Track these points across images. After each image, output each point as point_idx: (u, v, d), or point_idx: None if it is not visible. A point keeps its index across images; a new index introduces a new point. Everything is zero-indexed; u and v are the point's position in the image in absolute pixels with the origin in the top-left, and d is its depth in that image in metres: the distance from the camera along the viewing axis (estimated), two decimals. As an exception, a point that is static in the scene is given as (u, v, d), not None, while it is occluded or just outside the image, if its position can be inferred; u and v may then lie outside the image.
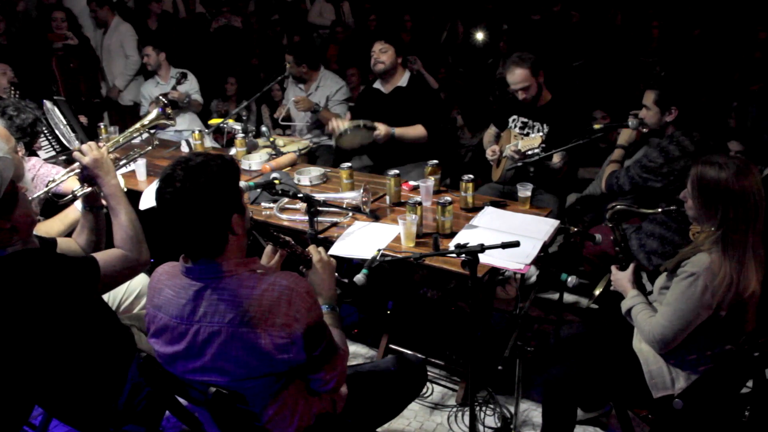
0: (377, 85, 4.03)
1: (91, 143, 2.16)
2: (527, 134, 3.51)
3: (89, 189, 2.19)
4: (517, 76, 3.43)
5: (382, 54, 3.83)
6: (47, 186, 2.42)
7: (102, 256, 1.93)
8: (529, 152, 3.24)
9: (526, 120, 3.60)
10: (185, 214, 1.52)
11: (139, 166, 3.61)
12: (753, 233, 1.94)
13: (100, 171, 2.11)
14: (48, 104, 4.18)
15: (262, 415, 1.66)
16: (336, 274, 1.96)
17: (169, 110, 2.75)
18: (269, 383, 1.62)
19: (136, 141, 3.12)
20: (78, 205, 2.44)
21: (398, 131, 3.77)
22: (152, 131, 2.77)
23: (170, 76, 5.19)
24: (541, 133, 3.39)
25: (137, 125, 2.71)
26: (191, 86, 5.20)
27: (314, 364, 1.65)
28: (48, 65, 5.29)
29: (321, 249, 1.94)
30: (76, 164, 2.20)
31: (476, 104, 5.62)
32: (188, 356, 1.60)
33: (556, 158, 3.30)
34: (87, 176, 2.15)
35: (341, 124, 3.67)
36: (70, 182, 2.50)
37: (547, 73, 3.55)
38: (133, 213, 2.10)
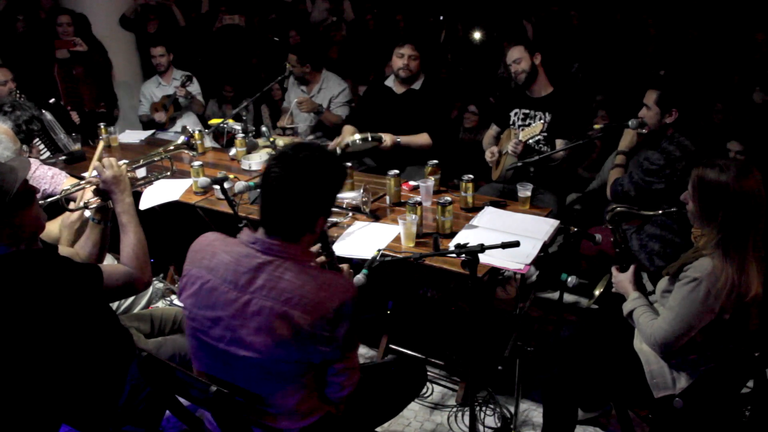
0: (389, 83, 3.99)
1: (112, 159, 2.20)
2: (529, 125, 3.53)
3: (102, 202, 2.22)
4: (512, 52, 3.56)
5: (412, 61, 3.79)
6: (62, 192, 2.45)
7: (106, 268, 1.95)
8: (531, 141, 3.25)
9: (527, 111, 3.62)
10: (282, 194, 1.58)
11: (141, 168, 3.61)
12: (754, 235, 1.93)
13: (116, 188, 2.16)
14: (49, 116, 4.17)
15: (280, 404, 1.68)
16: None
17: (193, 140, 2.78)
18: (299, 372, 1.64)
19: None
20: (86, 212, 2.47)
21: (404, 140, 3.76)
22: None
23: (173, 77, 5.18)
24: (542, 121, 3.40)
25: (160, 149, 2.76)
26: (194, 89, 5.20)
27: (340, 365, 1.68)
28: (50, 73, 5.10)
29: (352, 273, 2.02)
30: (93, 176, 2.23)
31: (477, 104, 5.61)
32: (230, 325, 1.62)
33: (559, 152, 3.35)
34: (103, 190, 2.18)
35: (347, 137, 3.71)
36: (83, 190, 2.53)
37: (548, 69, 3.61)
38: (142, 233, 2.13)
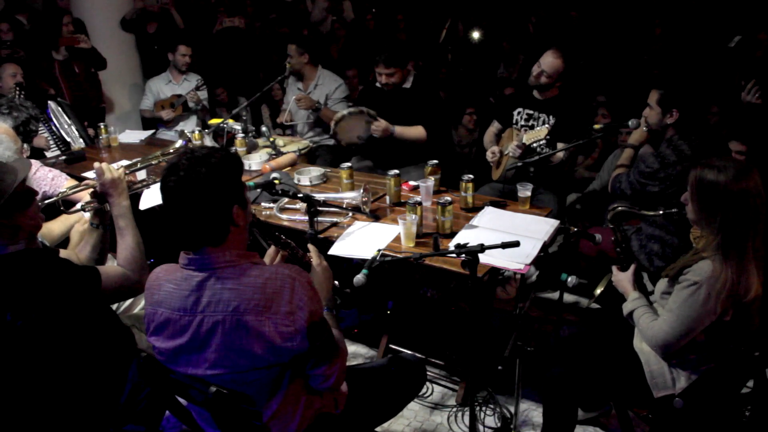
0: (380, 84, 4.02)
1: (111, 164, 2.20)
2: (532, 126, 3.52)
3: (98, 205, 2.22)
4: (551, 62, 3.46)
5: (390, 78, 3.81)
6: (59, 194, 2.46)
7: (104, 270, 1.95)
8: (534, 144, 3.24)
9: (531, 112, 3.62)
10: (186, 201, 1.56)
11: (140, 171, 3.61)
12: (754, 235, 1.93)
13: (113, 191, 2.17)
14: (52, 104, 4.19)
15: (264, 410, 1.66)
16: (336, 282, 1.98)
17: (191, 144, 2.80)
18: (273, 376, 1.62)
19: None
20: (86, 215, 2.48)
21: (398, 129, 3.79)
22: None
23: (183, 78, 5.18)
24: (547, 125, 3.41)
25: (158, 153, 2.78)
26: (202, 95, 5.20)
27: (316, 356, 1.65)
28: (51, 71, 5.11)
29: (321, 256, 1.98)
30: (91, 178, 2.24)
31: (478, 104, 5.62)
32: (191, 349, 1.60)
33: (560, 153, 3.34)
34: (100, 193, 2.19)
35: (340, 111, 3.81)
36: (81, 192, 2.54)
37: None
38: (139, 236, 2.13)
